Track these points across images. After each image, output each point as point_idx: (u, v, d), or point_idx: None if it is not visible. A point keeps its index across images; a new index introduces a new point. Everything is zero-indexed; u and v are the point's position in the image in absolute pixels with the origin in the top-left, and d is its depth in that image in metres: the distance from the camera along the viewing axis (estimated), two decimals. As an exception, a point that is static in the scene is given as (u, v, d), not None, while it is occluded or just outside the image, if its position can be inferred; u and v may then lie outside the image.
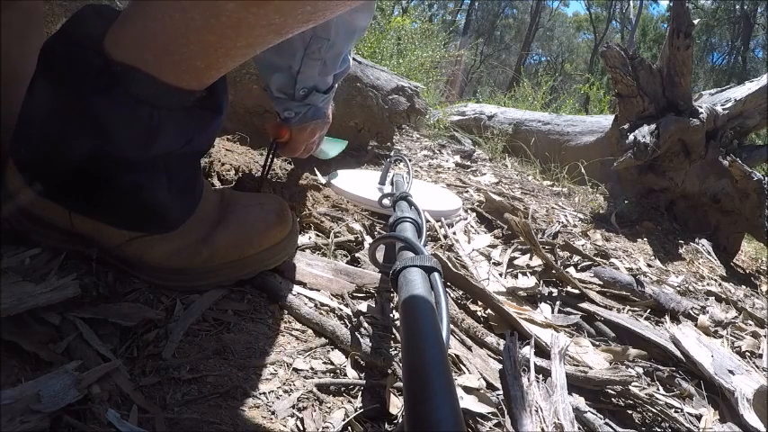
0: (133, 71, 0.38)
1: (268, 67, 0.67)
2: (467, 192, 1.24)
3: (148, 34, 0.37)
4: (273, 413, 0.38)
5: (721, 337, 0.81)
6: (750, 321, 0.91)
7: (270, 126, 0.73)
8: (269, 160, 0.74)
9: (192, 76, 0.40)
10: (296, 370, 0.44)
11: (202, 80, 0.41)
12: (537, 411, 0.48)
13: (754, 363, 0.74)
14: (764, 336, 0.84)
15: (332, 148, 0.99)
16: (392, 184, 0.89)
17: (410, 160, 0.99)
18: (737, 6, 15.45)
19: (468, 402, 0.47)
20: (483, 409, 0.47)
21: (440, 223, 0.90)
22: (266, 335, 0.47)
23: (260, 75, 0.85)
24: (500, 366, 0.54)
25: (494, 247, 0.90)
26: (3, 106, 0.48)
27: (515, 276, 0.80)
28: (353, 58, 1.20)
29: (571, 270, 0.88)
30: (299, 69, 0.64)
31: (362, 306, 0.56)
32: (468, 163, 1.73)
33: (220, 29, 0.36)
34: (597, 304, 0.76)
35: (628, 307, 0.80)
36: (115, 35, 0.39)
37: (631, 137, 1.44)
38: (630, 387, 0.56)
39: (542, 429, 0.46)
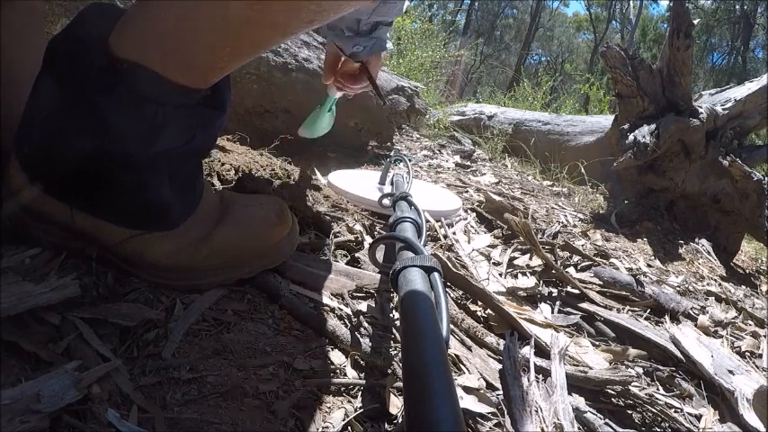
0: (138, 69, 0.38)
1: None
2: (467, 192, 1.24)
3: (153, 33, 0.37)
4: (273, 413, 0.38)
5: (721, 337, 0.81)
6: (750, 321, 0.91)
7: (341, 69, 0.84)
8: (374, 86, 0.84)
9: (197, 74, 0.40)
10: (296, 370, 0.43)
11: (207, 78, 0.41)
12: (537, 411, 0.48)
13: (754, 363, 0.74)
14: (764, 336, 0.84)
15: (318, 123, 0.96)
16: (392, 184, 0.89)
17: (410, 160, 0.99)
18: (737, 6, 15.44)
19: (468, 402, 0.47)
20: (483, 409, 0.47)
21: (440, 223, 0.90)
22: (266, 335, 0.46)
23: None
24: (500, 366, 0.54)
25: (494, 247, 0.90)
26: (3, 106, 0.48)
27: (515, 276, 0.80)
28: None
29: (571, 270, 0.88)
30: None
31: (362, 306, 0.56)
32: (468, 163, 1.73)
33: (225, 28, 0.36)
34: (597, 304, 0.76)
35: (628, 307, 0.80)
36: (120, 33, 0.39)
37: (631, 137, 1.44)
38: (630, 387, 0.56)
39: (542, 429, 0.46)
